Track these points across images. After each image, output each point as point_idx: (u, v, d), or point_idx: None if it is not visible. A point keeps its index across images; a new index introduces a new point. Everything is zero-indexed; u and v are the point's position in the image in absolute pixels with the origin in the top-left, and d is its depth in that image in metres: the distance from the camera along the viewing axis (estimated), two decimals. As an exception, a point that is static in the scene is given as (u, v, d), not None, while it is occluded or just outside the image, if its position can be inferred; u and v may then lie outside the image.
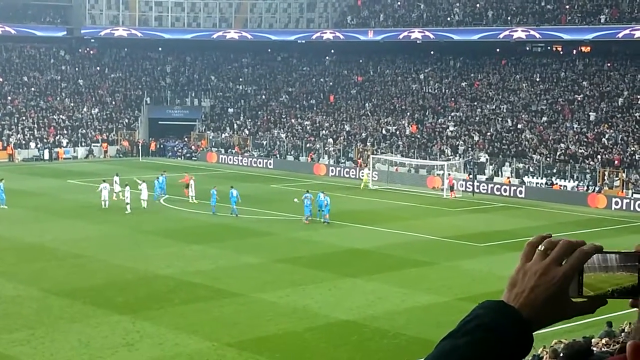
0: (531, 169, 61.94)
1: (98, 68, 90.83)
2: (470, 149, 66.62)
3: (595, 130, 64.15)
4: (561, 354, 8.79)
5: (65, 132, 79.85)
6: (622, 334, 18.22)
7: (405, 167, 66.07)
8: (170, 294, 30.66)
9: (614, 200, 54.66)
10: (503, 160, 63.89)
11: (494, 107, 71.92)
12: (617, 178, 57.58)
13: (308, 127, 78.19)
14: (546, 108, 69.16)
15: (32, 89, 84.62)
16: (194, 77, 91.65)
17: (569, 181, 59.15)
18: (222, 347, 24.88)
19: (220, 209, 47.59)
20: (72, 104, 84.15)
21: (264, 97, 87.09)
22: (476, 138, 67.80)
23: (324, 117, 79.48)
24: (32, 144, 76.83)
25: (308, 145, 74.61)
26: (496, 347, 1.87)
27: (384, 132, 73.09)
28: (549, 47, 78.67)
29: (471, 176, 61.16)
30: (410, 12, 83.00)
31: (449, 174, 60.21)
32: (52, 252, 37.27)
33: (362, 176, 63.21)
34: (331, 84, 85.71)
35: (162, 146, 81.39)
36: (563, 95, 70.25)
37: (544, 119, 67.66)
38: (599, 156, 60.25)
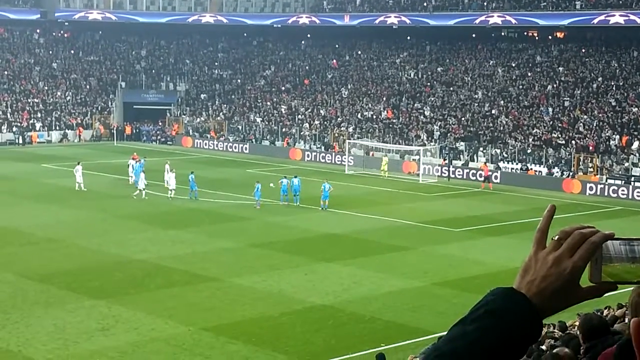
0: (505, 154, 62.18)
1: (72, 51, 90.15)
2: (447, 133, 66.76)
3: (570, 115, 64.47)
4: (578, 331, 8.77)
5: (39, 115, 79.30)
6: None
7: (381, 152, 66.14)
8: (146, 279, 30.62)
9: (588, 185, 55.00)
10: (478, 145, 64.11)
11: (469, 92, 72.07)
12: (591, 163, 57.92)
13: (284, 112, 78.05)
14: (521, 93, 69.41)
15: (6, 72, 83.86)
16: (169, 61, 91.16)
17: (544, 166, 59.44)
18: (198, 332, 24.89)
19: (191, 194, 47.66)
20: (46, 88, 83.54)
21: (239, 81, 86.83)
22: (452, 122, 67.95)
23: (300, 101, 79.38)
24: (5, 128, 76.20)
25: (284, 129, 74.51)
26: (504, 332, 1.93)
27: (359, 117, 73.11)
28: (524, 33, 78.87)
29: (447, 161, 61.33)
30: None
31: (485, 164, 59.70)
32: (26, 237, 37.09)
33: (382, 164, 61.53)
34: (307, 68, 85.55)
35: (137, 130, 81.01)
36: (538, 81, 70.49)
37: (519, 104, 67.92)
38: (573, 141, 60.58)
